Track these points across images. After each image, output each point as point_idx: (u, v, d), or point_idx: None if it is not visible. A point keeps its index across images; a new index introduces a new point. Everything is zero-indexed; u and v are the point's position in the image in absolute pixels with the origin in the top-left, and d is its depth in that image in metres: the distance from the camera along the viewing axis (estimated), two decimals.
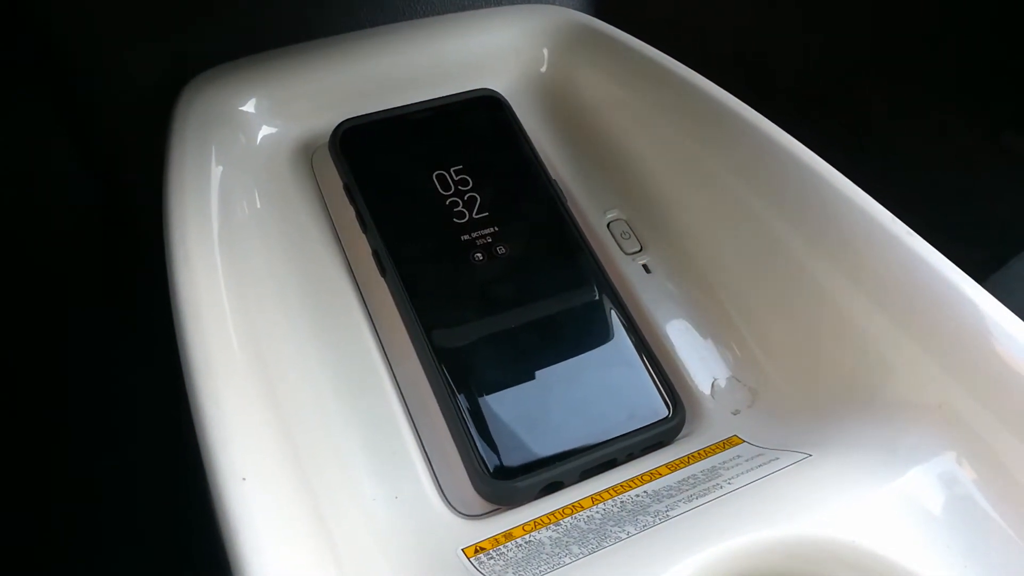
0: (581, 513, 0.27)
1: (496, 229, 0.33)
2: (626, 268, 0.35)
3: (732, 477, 0.27)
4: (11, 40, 0.46)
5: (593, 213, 0.36)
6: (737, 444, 0.29)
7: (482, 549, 0.26)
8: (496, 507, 0.28)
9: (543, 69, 0.40)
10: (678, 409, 0.30)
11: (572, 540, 0.25)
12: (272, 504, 0.23)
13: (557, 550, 0.25)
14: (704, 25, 0.66)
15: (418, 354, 0.30)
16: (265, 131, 0.36)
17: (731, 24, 0.66)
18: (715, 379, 0.32)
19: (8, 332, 0.53)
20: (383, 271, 0.32)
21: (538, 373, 0.30)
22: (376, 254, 0.32)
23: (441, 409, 0.29)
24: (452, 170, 0.34)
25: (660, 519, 0.25)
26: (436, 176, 0.34)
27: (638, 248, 0.35)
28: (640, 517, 0.26)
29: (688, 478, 0.28)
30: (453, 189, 0.34)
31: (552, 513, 0.27)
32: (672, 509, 0.26)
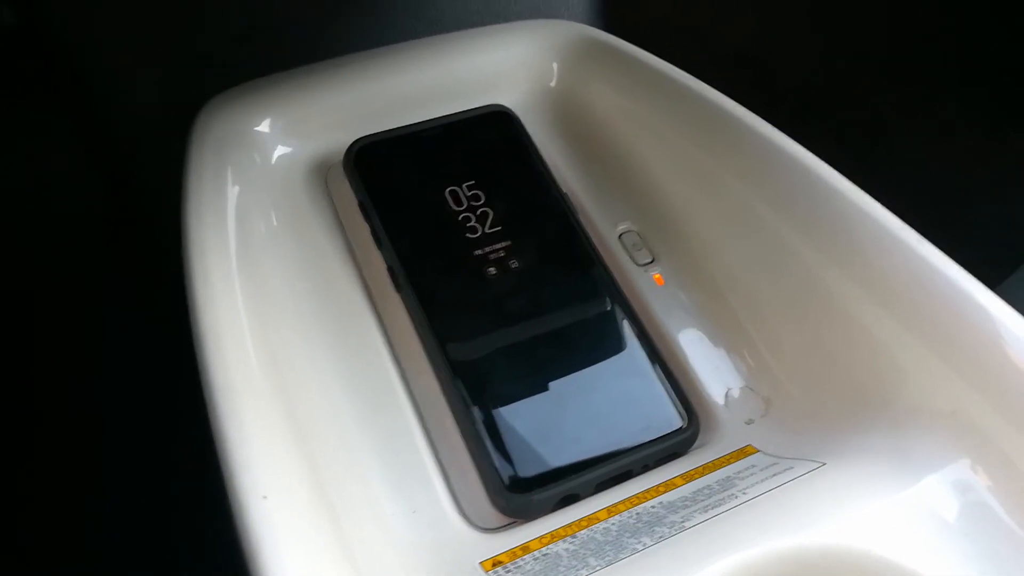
0: (597, 525, 0.27)
1: (509, 243, 0.33)
2: (638, 279, 0.35)
3: (747, 487, 0.27)
4: (23, 51, 0.47)
5: (604, 225, 0.37)
6: (751, 454, 0.30)
7: (500, 563, 0.26)
8: (513, 520, 0.28)
9: (553, 83, 0.41)
10: (692, 419, 0.30)
11: (589, 552, 0.26)
12: (293, 521, 0.23)
13: (574, 562, 0.25)
14: (707, 28, 0.66)
15: (434, 368, 0.31)
16: (280, 151, 0.36)
17: (733, 27, 0.67)
18: (728, 389, 0.32)
19: (18, 337, 0.54)
20: (398, 287, 0.32)
21: (553, 386, 0.30)
22: (391, 270, 0.33)
23: (457, 423, 0.29)
24: (464, 186, 0.35)
25: (676, 530, 0.26)
26: (449, 192, 0.34)
27: (650, 259, 0.36)
28: (656, 528, 0.26)
29: (703, 488, 0.28)
30: (466, 204, 0.34)
31: (568, 525, 0.27)
32: (688, 520, 0.26)
